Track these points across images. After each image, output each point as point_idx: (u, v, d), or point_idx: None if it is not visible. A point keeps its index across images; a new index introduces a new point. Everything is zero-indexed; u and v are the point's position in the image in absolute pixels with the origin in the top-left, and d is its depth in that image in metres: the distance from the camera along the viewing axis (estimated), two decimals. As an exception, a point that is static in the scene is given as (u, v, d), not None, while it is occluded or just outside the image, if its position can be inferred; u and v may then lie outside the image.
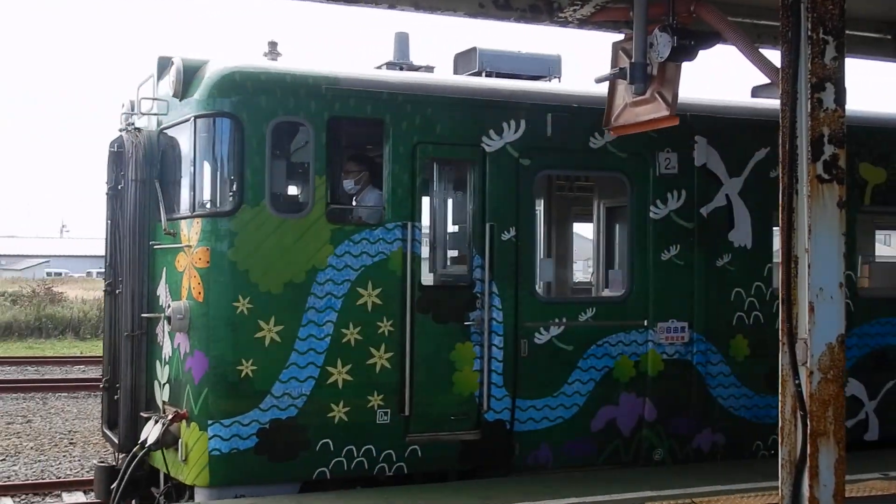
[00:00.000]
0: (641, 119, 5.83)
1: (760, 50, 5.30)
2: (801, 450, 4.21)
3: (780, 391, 4.36)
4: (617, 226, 7.77)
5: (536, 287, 6.45)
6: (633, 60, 5.59)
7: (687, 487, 5.73)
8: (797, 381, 4.25)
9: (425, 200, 6.32)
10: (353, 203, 6.22)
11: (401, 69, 6.70)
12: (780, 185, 4.38)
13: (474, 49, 6.96)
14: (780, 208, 4.37)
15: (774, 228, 6.81)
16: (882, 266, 9.51)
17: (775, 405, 6.35)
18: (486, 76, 6.75)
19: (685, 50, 5.35)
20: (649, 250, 6.43)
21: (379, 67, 6.74)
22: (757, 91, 7.71)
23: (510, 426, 6.05)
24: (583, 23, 6.40)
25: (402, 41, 6.95)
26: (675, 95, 5.47)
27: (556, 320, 6.20)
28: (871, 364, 6.93)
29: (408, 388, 5.75)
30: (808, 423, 4.19)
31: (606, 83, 5.95)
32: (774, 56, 4.85)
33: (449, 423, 5.90)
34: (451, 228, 6.78)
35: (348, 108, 5.77)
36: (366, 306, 5.71)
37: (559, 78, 7.19)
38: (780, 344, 4.33)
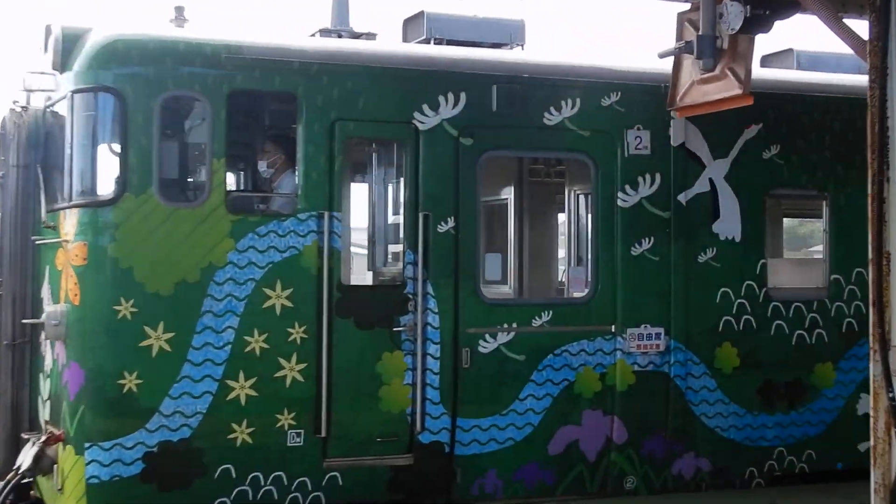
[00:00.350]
0: (711, 98, 5.50)
1: (845, 20, 4.72)
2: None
3: (871, 405, 3.98)
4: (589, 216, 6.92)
5: (481, 287, 5.61)
6: (700, 33, 5.25)
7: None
8: (891, 395, 3.87)
9: (358, 187, 5.58)
10: (271, 190, 5.48)
11: (339, 37, 5.94)
12: (870, 172, 3.94)
13: (422, 13, 6.17)
14: (870, 199, 3.94)
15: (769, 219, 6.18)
16: None
17: (772, 425, 5.60)
18: (436, 44, 5.95)
19: (759, 21, 5.03)
20: (617, 243, 5.60)
21: (312, 35, 5.99)
22: (767, 60, 6.89)
23: (450, 449, 5.29)
24: None
25: (341, 4, 6.22)
26: (749, 71, 5.13)
27: (505, 326, 5.37)
28: None
29: (325, 405, 5.02)
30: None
31: (669, 58, 5.53)
32: (861, 27, 4.48)
33: (375, 445, 5.16)
34: (392, 220, 6.03)
35: (253, 79, 5.06)
36: (274, 310, 4.99)
37: (522, 46, 6.35)
38: (871, 352, 3.95)
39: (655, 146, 5.74)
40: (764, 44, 6.22)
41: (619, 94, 5.61)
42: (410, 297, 5.20)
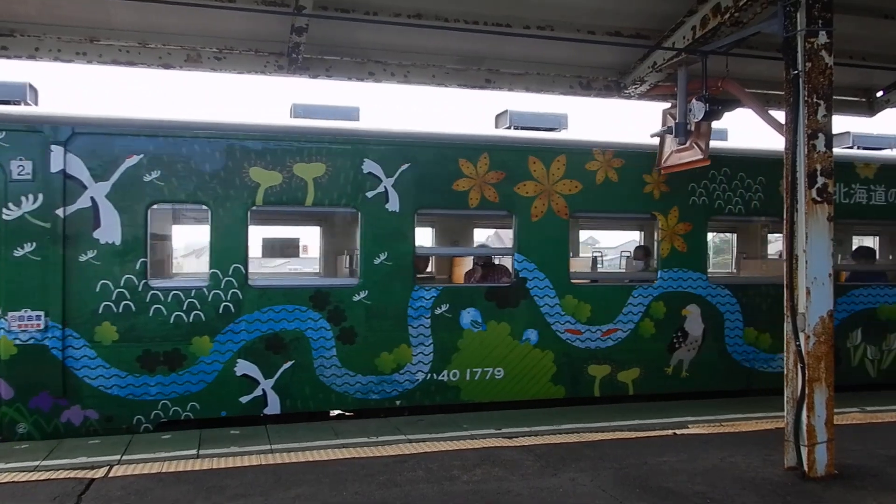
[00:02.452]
0: (683, 161, 8.26)
1: (770, 111, 7.07)
2: (801, 390, 5.96)
3: (785, 350, 6.08)
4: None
5: None
6: (676, 121, 8.00)
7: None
8: (797, 343, 5.98)
9: None
10: None
11: None
12: (785, 204, 6.08)
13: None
14: (785, 221, 6.07)
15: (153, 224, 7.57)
16: None
17: (154, 384, 7.45)
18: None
19: (715, 113, 7.57)
20: (2, 248, 7.09)
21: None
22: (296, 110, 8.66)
23: None
24: (642, 96, 8.97)
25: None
26: (707, 144, 7.77)
27: None
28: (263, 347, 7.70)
29: None
30: (807, 372, 5.95)
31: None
32: (778, 115, 6.62)
33: None
34: None
35: None
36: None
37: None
38: (785, 316, 6.06)
39: (37, 172, 7.10)
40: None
41: (4, 133, 7.06)
42: None
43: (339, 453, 6.55)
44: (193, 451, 6.63)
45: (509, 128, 9.29)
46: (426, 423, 7.74)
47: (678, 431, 7.36)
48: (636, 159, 8.86)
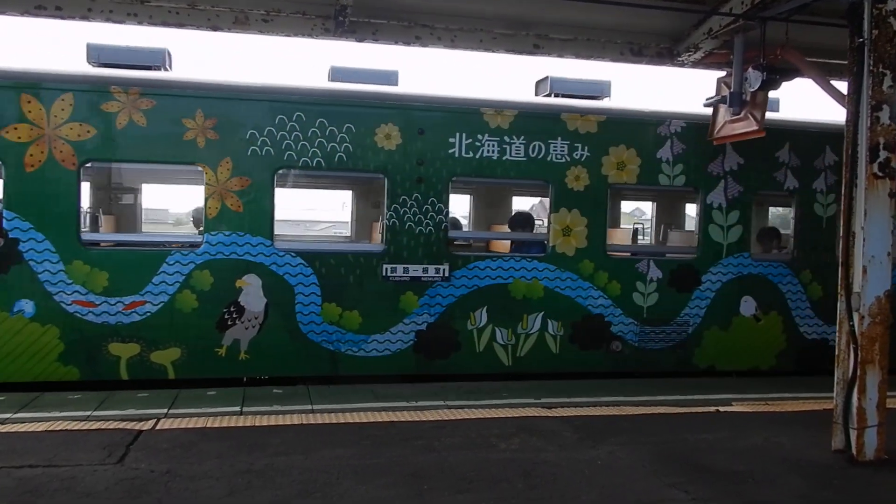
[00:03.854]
0: (736, 132, 7.95)
1: (831, 82, 6.77)
2: (853, 372, 5.78)
3: (837, 330, 5.91)
4: None
5: None
6: (731, 90, 7.72)
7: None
8: (851, 323, 5.79)
9: None
10: None
11: None
12: (844, 179, 5.87)
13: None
14: (843, 196, 5.86)
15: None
16: None
17: None
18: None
19: (772, 82, 7.29)
20: None
21: None
22: None
23: None
24: (696, 64, 8.65)
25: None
26: (763, 115, 7.47)
27: None
28: None
29: None
30: (860, 353, 5.76)
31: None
32: (840, 86, 6.39)
33: None
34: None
35: None
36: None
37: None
38: (839, 296, 5.87)
39: None
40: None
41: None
42: None
43: (379, 416, 6.62)
44: (237, 408, 6.78)
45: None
46: (465, 389, 7.76)
47: (721, 409, 7.24)
48: (171, 101, 7.47)
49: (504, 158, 8.32)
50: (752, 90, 7.43)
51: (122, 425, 6.10)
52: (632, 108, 8.79)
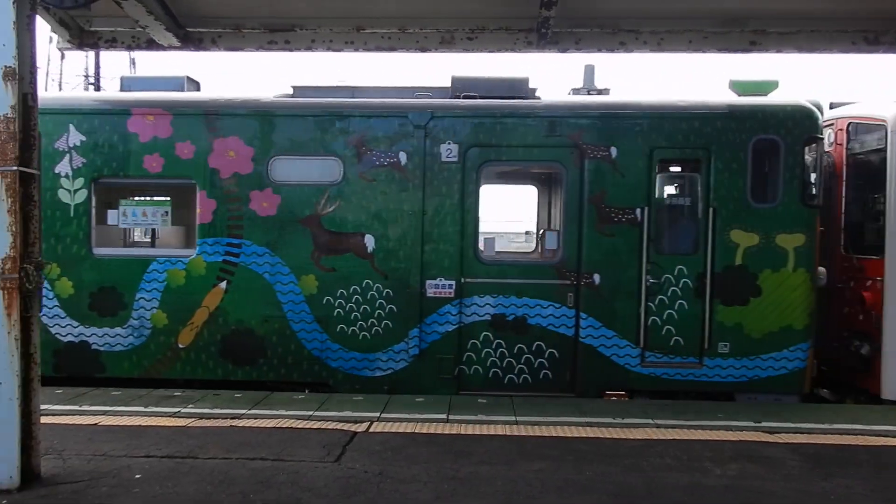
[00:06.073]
0: None
1: None
2: None
3: None
4: None
5: None
6: None
7: None
8: None
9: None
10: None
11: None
12: None
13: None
14: None
15: None
16: None
17: None
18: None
19: None
20: None
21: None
22: None
23: None
24: None
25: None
26: None
27: None
28: None
29: None
30: None
31: None
32: None
33: None
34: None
35: None
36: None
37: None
38: None
39: None
40: None
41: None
42: None
43: (584, 431, 6.46)
44: (444, 416, 6.97)
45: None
46: (675, 409, 7.36)
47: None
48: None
49: None
50: None
51: (339, 426, 6.52)
52: None
